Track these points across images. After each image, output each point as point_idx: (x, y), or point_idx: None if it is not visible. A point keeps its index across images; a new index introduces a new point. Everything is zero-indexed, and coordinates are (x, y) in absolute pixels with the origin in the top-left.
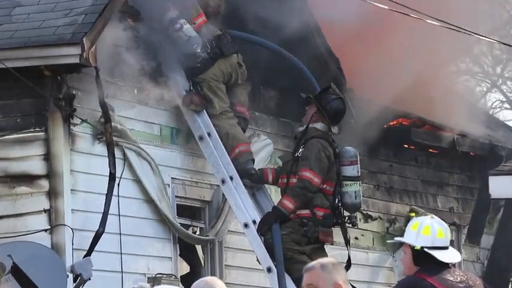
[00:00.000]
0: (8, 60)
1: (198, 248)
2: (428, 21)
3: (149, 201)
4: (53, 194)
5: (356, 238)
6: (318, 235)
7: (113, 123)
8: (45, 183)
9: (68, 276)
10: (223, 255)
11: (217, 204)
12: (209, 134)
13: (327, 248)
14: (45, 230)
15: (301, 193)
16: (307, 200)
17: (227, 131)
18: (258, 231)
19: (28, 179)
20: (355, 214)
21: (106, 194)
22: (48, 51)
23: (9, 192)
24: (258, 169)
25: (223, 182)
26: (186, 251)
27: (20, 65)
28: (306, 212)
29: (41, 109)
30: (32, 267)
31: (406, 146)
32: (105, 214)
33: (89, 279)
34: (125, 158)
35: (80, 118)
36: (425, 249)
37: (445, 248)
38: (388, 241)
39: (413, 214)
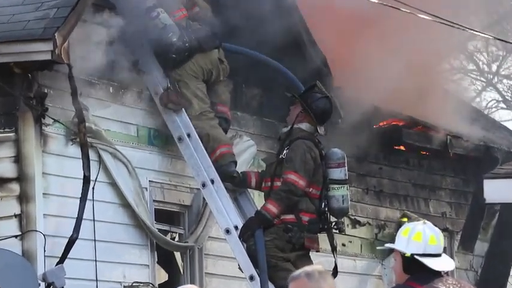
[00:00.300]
0: None
1: (177, 255)
2: (420, 15)
3: (125, 205)
4: (24, 198)
5: (343, 245)
6: (303, 241)
7: (87, 124)
8: (15, 187)
9: (39, 285)
10: (203, 262)
11: (197, 208)
12: (189, 135)
13: (313, 255)
14: (16, 236)
15: (286, 197)
16: (292, 204)
17: (207, 132)
18: (240, 237)
19: None
20: (342, 219)
21: (80, 198)
22: (17, 47)
23: None
24: (241, 172)
25: (203, 185)
26: (164, 258)
27: None
28: (290, 217)
29: (11, 108)
30: (1, 275)
31: (397, 147)
32: (79, 219)
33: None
34: (100, 160)
35: (52, 118)
36: (416, 257)
37: (438, 255)
38: (378, 248)
39: (405, 219)
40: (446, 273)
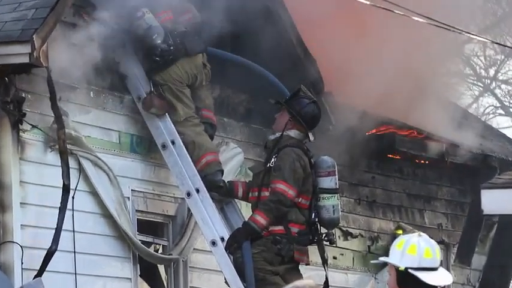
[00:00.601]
0: None
1: (161, 267)
2: (414, 18)
3: (107, 216)
4: (0, 207)
5: (334, 257)
6: (293, 254)
7: (66, 130)
8: None
9: None
10: (188, 275)
11: (181, 219)
12: (173, 142)
13: (302, 268)
14: None
15: (275, 208)
16: (281, 215)
17: (193, 139)
18: (226, 249)
19: None
20: (333, 231)
21: (59, 208)
22: None
23: None
24: (228, 181)
25: (188, 194)
26: (147, 271)
27: None
28: (279, 228)
29: None
30: None
31: (390, 155)
32: (58, 230)
33: None
34: (80, 168)
35: (30, 124)
36: (410, 271)
37: (434, 269)
38: (371, 261)
39: (400, 232)
40: (444, 287)
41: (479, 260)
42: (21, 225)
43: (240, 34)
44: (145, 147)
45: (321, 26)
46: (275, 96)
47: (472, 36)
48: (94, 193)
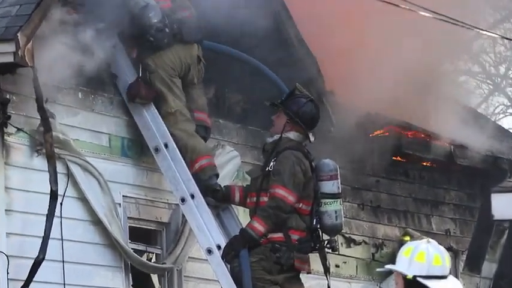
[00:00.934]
0: None
1: (154, 277)
2: (420, 13)
3: (97, 223)
4: None
5: (337, 266)
6: (293, 262)
7: (53, 133)
8: None
9: None
10: (182, 285)
11: (176, 226)
12: (166, 145)
13: (303, 277)
14: None
15: (274, 214)
16: (281, 221)
17: (185, 142)
18: (223, 258)
19: None
20: (335, 238)
21: (47, 215)
22: None
23: None
24: (224, 186)
25: (183, 200)
26: (140, 281)
27: None
28: (278, 235)
29: None
30: None
31: (395, 158)
32: (46, 238)
33: None
34: (69, 173)
35: (15, 127)
36: (419, 279)
37: (443, 277)
38: (377, 269)
39: (407, 238)
40: None
41: (489, 267)
42: (7, 233)
43: (238, 32)
44: (137, 150)
45: (324, 24)
46: (273, 94)
47: (481, 31)
48: (83, 199)
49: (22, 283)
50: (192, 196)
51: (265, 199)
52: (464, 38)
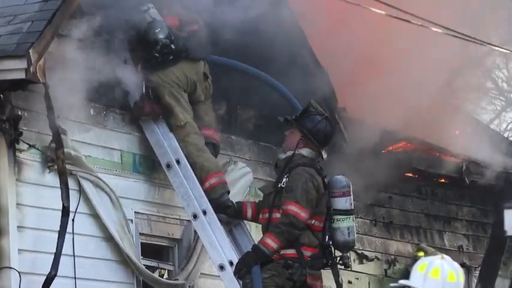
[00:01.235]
0: None
1: None
2: (433, 29)
3: (109, 239)
4: None
5: (349, 282)
6: (305, 279)
7: (65, 149)
8: None
9: None
10: None
11: (188, 242)
12: (178, 161)
13: None
14: None
15: (286, 230)
16: (293, 238)
17: (194, 160)
18: (235, 274)
19: None
20: (348, 254)
21: (58, 232)
22: None
23: None
24: (236, 202)
25: (195, 216)
26: None
27: None
28: (291, 251)
29: None
30: None
31: (408, 174)
32: (58, 255)
33: None
34: (80, 190)
35: (26, 143)
36: None
37: None
38: (391, 285)
39: (421, 254)
40: None
41: (502, 284)
42: (19, 249)
43: (249, 46)
44: (149, 166)
45: (337, 41)
46: (285, 111)
47: (494, 48)
48: (95, 215)
49: None
50: (204, 212)
51: (278, 215)
52: (477, 55)
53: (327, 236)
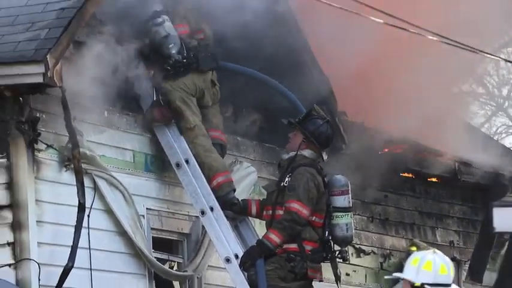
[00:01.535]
0: None
1: (176, 284)
2: (429, 37)
3: (122, 233)
4: (17, 226)
5: (347, 274)
6: (306, 271)
7: (81, 149)
8: (8, 214)
9: None
10: None
11: (196, 237)
12: (187, 161)
13: (316, 285)
14: (9, 265)
15: (289, 226)
16: (295, 233)
17: (202, 160)
18: (240, 266)
19: None
20: (346, 248)
21: (75, 226)
22: (8, 69)
23: None
24: (241, 200)
25: (202, 213)
26: (163, 287)
27: None
28: (293, 246)
29: (2, 134)
30: None
31: (403, 174)
32: (74, 248)
33: None
34: (95, 187)
35: (44, 143)
36: (426, 286)
37: (448, 285)
38: (385, 277)
39: (414, 248)
40: None
41: (490, 277)
42: (38, 242)
43: (251, 51)
44: (160, 166)
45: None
46: (289, 114)
47: (485, 55)
48: (109, 211)
49: None
50: (212, 209)
51: (280, 212)
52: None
53: (327, 232)
